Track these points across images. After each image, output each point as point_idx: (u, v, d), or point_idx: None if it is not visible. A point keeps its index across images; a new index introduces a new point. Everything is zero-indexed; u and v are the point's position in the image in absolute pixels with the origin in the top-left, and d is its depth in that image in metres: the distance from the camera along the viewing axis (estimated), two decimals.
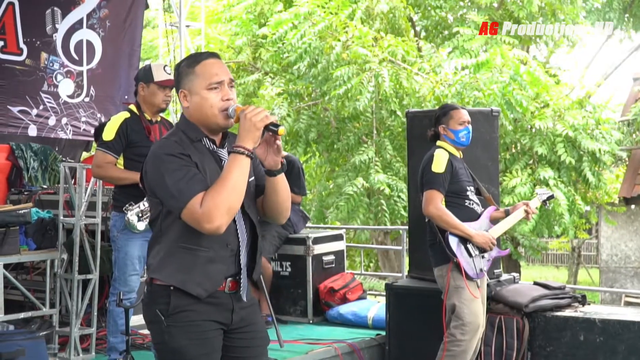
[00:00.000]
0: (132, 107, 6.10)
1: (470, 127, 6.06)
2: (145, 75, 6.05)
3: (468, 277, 5.89)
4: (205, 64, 3.42)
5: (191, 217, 3.23)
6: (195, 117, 3.42)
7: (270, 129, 3.29)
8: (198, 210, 3.19)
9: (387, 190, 12.28)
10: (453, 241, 5.87)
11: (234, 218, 3.38)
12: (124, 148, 5.95)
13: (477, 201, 6.11)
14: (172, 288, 3.35)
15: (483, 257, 5.99)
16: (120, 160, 5.98)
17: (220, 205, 3.19)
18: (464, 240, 5.90)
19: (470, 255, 5.91)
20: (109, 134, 5.91)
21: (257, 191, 3.57)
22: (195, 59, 3.47)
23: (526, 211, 6.15)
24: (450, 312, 6.00)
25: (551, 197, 6.59)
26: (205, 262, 3.36)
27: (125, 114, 6.02)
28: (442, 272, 5.98)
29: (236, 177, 3.23)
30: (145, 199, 5.80)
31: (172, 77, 6.10)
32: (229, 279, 3.42)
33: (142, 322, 7.03)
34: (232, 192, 3.22)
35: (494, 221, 6.15)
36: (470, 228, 5.91)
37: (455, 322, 5.92)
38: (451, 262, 5.88)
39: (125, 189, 5.92)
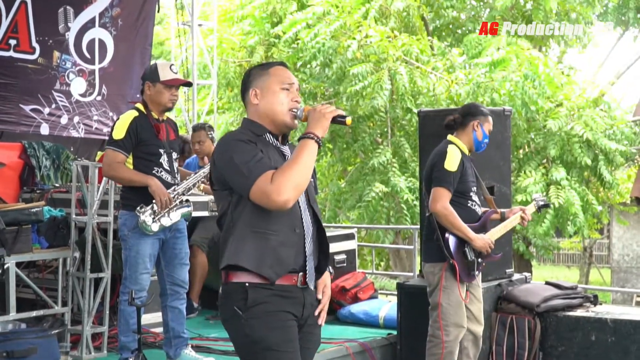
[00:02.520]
0: (139, 105, 6.09)
1: None
2: (152, 74, 6.05)
3: (460, 280, 5.86)
4: (278, 68, 3.69)
5: (260, 193, 3.38)
6: (263, 114, 3.63)
7: (338, 120, 3.55)
8: (268, 184, 3.36)
9: (408, 197, 12.31)
10: (452, 242, 5.83)
11: (300, 207, 3.59)
12: (134, 146, 5.94)
13: (479, 202, 6.08)
14: (247, 285, 3.48)
15: (478, 260, 5.95)
16: (130, 159, 5.97)
17: (290, 179, 3.35)
18: (463, 242, 5.85)
19: (466, 257, 5.86)
20: (119, 133, 5.90)
21: None
22: (268, 64, 3.74)
23: (522, 217, 6.13)
24: (432, 310, 5.98)
25: (547, 205, 6.56)
26: (276, 245, 3.50)
27: (134, 113, 6.01)
28: (434, 270, 5.93)
29: (305, 158, 3.42)
30: (154, 201, 5.85)
31: (178, 76, 6.15)
32: (300, 273, 3.56)
33: (154, 320, 7.13)
34: (301, 171, 3.40)
35: (492, 223, 6.12)
36: (471, 231, 5.86)
37: (439, 323, 5.89)
38: (446, 262, 5.84)
39: (135, 188, 5.93)
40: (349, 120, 3.57)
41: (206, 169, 6.27)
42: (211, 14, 12.62)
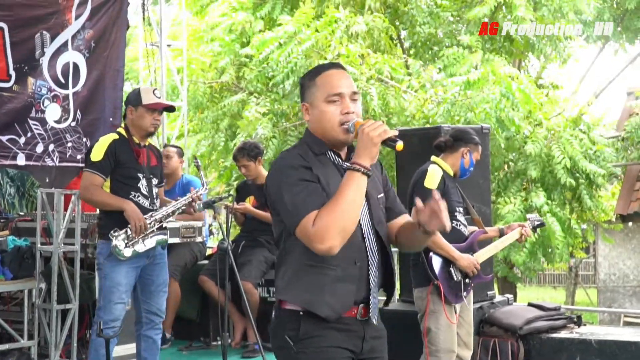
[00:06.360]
0: (121, 129, 6.09)
1: None
2: (134, 98, 6.07)
3: (447, 302, 5.75)
4: (326, 75, 3.32)
5: (304, 235, 3.10)
6: (317, 131, 3.33)
7: (388, 144, 3.13)
8: (310, 229, 3.06)
9: None
10: (436, 262, 5.73)
11: (363, 235, 3.27)
12: (112, 169, 5.92)
13: (465, 222, 6.01)
14: (301, 313, 3.22)
15: (465, 281, 5.85)
16: (108, 182, 5.95)
17: (333, 225, 3.04)
18: (448, 262, 5.76)
19: (452, 278, 5.77)
20: (97, 155, 5.89)
21: (388, 214, 3.52)
22: (317, 70, 3.39)
23: (521, 233, 6.03)
24: (424, 336, 5.85)
25: (542, 224, 6.47)
26: (333, 281, 3.20)
27: (114, 136, 6.02)
28: (422, 294, 5.83)
29: (352, 196, 3.08)
30: (129, 225, 5.78)
31: (161, 100, 6.15)
32: (361, 305, 3.28)
33: (125, 352, 6.95)
34: (346, 212, 3.06)
35: (483, 243, 6.04)
36: (455, 250, 5.76)
37: (429, 349, 5.77)
38: (431, 284, 5.73)
39: (111, 214, 5.86)
40: (399, 145, 3.12)
41: (187, 198, 6.25)
42: (180, 34, 12.49)
